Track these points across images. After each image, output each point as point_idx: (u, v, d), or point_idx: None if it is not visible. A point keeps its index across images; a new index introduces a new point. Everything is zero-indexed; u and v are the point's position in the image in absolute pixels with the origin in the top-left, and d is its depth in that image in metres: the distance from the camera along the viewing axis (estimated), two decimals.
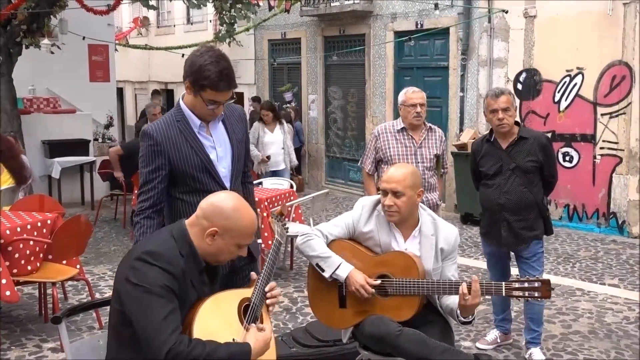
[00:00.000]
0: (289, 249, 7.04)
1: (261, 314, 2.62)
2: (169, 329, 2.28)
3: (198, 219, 2.49)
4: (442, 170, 5.14)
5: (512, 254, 4.63)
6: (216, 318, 2.47)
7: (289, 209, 6.76)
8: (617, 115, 8.51)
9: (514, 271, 4.67)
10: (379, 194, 3.42)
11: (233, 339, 2.42)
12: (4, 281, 4.55)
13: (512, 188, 4.37)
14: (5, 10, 8.46)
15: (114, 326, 2.47)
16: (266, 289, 2.67)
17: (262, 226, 5.95)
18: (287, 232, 3.03)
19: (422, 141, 4.87)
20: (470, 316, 3.16)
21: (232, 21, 11.96)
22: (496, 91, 4.40)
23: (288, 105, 13.20)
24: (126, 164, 8.46)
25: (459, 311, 3.15)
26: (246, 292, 2.63)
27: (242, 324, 2.51)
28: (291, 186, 7.56)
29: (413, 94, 4.83)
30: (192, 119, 3.01)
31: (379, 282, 3.24)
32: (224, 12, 11.73)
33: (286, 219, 3.02)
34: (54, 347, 4.80)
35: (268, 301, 2.68)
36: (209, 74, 2.86)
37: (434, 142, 4.93)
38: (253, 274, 2.80)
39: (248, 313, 2.55)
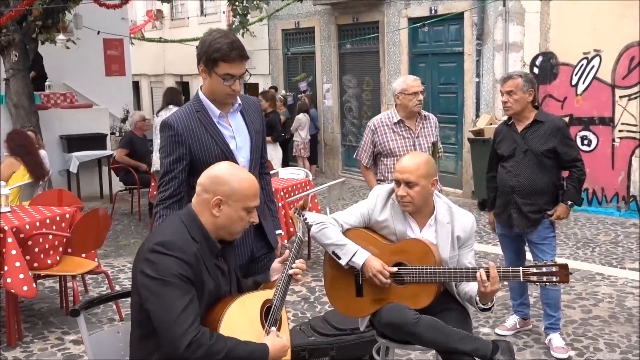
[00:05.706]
0: (306, 238, 7.03)
1: (280, 316, 2.61)
2: (189, 321, 2.27)
3: (200, 196, 2.48)
4: (438, 155, 5.12)
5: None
6: (242, 319, 2.47)
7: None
8: (635, 98, 8.40)
9: (529, 255, 4.64)
10: (378, 184, 3.39)
11: None
12: (21, 276, 4.59)
13: (523, 171, 4.38)
14: (20, 7, 8.53)
15: (135, 320, 2.47)
16: (294, 266, 2.69)
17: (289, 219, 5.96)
18: (306, 227, 3.02)
19: (419, 131, 4.86)
20: (489, 303, 3.14)
21: (245, 12, 11.95)
22: (505, 75, 4.49)
23: (302, 94, 13.19)
24: (136, 154, 9.05)
25: (477, 298, 3.13)
26: (268, 294, 2.63)
27: (263, 327, 2.51)
28: (307, 175, 7.56)
29: (414, 82, 4.81)
30: (211, 108, 3.02)
31: (396, 269, 3.23)
32: (237, 3, 11.72)
33: (306, 212, 3.02)
34: (76, 339, 4.86)
35: (291, 271, 2.68)
36: (220, 46, 2.87)
37: (429, 130, 4.92)
38: (274, 266, 2.80)
39: (270, 315, 2.55)
